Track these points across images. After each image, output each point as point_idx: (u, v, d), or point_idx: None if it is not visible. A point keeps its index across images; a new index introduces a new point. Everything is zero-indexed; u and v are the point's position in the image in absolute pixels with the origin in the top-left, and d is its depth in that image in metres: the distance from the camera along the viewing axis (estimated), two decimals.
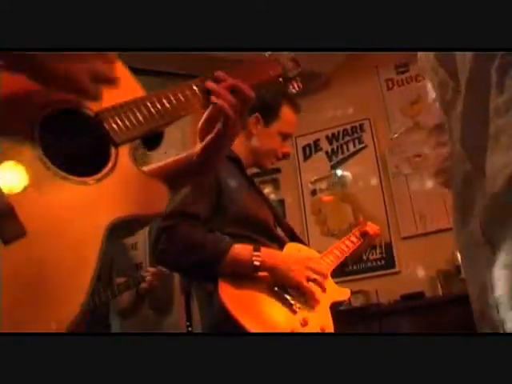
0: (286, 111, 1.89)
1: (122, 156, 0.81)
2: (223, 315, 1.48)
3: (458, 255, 3.24)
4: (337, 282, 1.87)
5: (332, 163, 4.24)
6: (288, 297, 1.60)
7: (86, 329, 0.75)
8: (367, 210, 3.89)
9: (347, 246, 2.02)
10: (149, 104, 0.86)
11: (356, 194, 4.06)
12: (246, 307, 1.52)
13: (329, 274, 1.81)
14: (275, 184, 4.32)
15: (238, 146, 1.81)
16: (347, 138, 4.23)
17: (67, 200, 0.74)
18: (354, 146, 4.20)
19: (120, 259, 3.07)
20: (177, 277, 3.03)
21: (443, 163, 0.99)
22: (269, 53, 1.23)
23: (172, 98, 0.90)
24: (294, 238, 1.92)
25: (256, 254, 1.56)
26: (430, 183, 3.81)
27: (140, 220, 0.82)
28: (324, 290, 1.67)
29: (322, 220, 4.12)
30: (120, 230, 0.78)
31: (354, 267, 3.73)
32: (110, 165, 0.80)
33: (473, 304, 0.81)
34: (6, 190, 0.67)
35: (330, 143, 4.27)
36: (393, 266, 3.82)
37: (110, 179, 0.78)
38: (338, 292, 1.80)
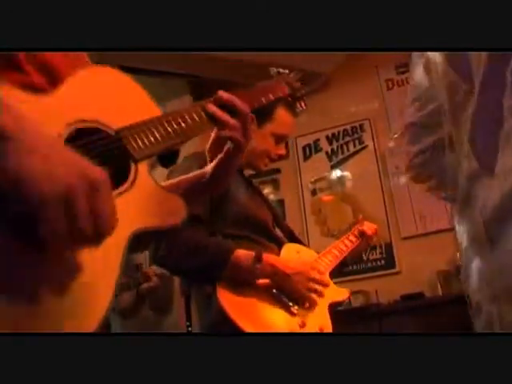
0: (281, 113, 1.86)
1: (141, 171, 0.86)
2: (221, 317, 1.48)
3: (458, 256, 3.23)
4: (336, 282, 1.87)
5: (332, 163, 4.24)
6: (286, 299, 1.60)
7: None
8: (367, 210, 3.89)
9: (346, 246, 2.01)
10: (165, 123, 0.91)
11: (356, 194, 4.06)
12: (243, 309, 1.51)
13: (327, 274, 1.81)
14: (275, 184, 4.32)
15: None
16: (347, 138, 4.23)
17: None
18: (354, 146, 4.21)
19: None
20: (177, 278, 3.03)
21: (413, 159, 1.04)
22: (275, 71, 1.27)
23: (187, 118, 0.95)
24: (293, 238, 1.91)
25: (257, 264, 1.55)
26: None
27: (158, 231, 0.87)
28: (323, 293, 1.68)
29: (321, 220, 4.13)
30: (140, 241, 0.83)
31: (354, 267, 3.73)
32: (130, 180, 0.84)
33: (470, 297, 0.81)
34: None
35: (330, 143, 4.27)
36: (393, 266, 3.82)
37: (131, 193, 0.83)
38: (336, 292, 1.80)
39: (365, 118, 4.19)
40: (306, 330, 1.57)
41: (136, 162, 0.86)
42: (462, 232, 0.86)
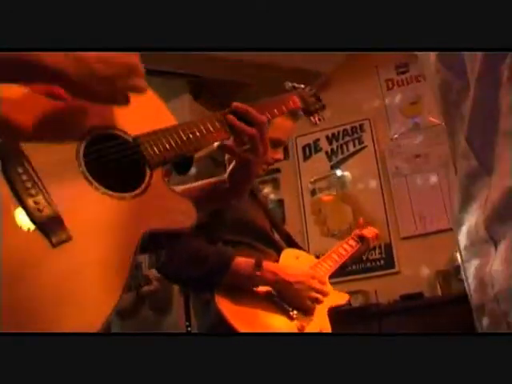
0: (278, 118, 1.86)
1: (156, 176, 0.92)
2: (219, 322, 1.48)
3: (458, 256, 3.24)
4: (336, 282, 1.87)
5: (332, 163, 4.24)
6: (285, 304, 1.60)
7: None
8: (367, 210, 3.90)
9: (345, 250, 2.01)
10: (180, 132, 0.97)
11: (356, 194, 4.07)
12: (242, 314, 1.51)
13: (327, 279, 1.80)
14: (275, 184, 4.33)
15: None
16: (347, 138, 4.23)
17: (107, 212, 0.83)
18: (354, 146, 4.21)
19: None
20: None
21: None
22: (290, 86, 1.31)
23: (202, 127, 1.00)
24: (291, 242, 1.90)
25: (258, 272, 1.55)
26: (429, 184, 3.81)
27: (169, 233, 0.92)
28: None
29: (321, 220, 4.13)
30: (147, 243, 0.87)
31: (354, 267, 3.73)
32: (144, 183, 0.90)
33: (471, 296, 0.81)
34: (55, 201, 0.77)
35: (330, 143, 4.28)
36: (392, 266, 3.83)
37: (145, 196, 0.88)
38: (336, 297, 1.80)
39: (365, 118, 4.19)
40: None
41: (151, 167, 0.91)
42: (461, 231, 0.86)
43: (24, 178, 0.76)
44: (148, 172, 0.91)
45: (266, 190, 4.20)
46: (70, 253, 0.75)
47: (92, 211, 0.82)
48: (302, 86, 1.38)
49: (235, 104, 1.05)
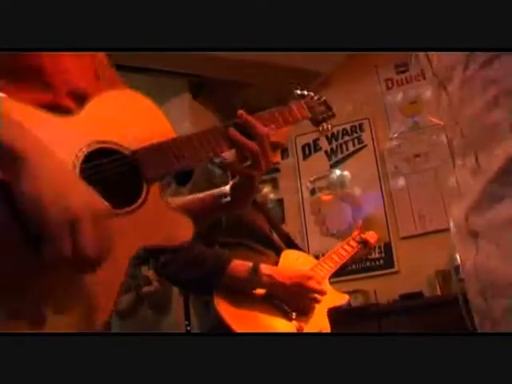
0: None
1: (153, 191, 0.90)
2: (219, 324, 1.48)
3: (457, 255, 3.23)
4: (335, 282, 1.87)
5: (331, 162, 4.24)
6: (284, 304, 1.60)
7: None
8: (366, 209, 3.90)
9: (346, 251, 2.01)
10: (179, 145, 0.95)
11: (355, 194, 4.07)
12: (241, 316, 1.51)
13: (327, 281, 1.80)
14: (274, 183, 4.33)
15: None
16: (346, 138, 4.23)
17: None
18: (354, 145, 4.21)
19: None
20: None
21: None
22: (298, 94, 1.32)
23: (201, 139, 0.99)
24: (290, 243, 1.90)
25: (255, 275, 1.55)
26: (429, 183, 3.82)
27: (164, 249, 0.90)
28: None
29: (321, 219, 4.13)
30: (144, 255, 0.88)
31: (353, 267, 3.73)
32: (141, 199, 0.89)
33: (467, 292, 0.82)
34: None
35: (330, 142, 4.28)
36: (392, 265, 3.83)
37: (140, 212, 0.87)
38: (335, 297, 1.79)
39: (364, 118, 4.19)
40: None
41: (148, 182, 0.90)
42: (452, 224, 0.87)
43: None
44: (145, 187, 0.90)
45: (266, 189, 4.20)
46: (61, 269, 0.74)
47: None
48: (312, 93, 1.36)
49: (239, 113, 1.04)
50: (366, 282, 3.75)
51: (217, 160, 1.74)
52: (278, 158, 1.89)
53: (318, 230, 4.10)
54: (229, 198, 1.09)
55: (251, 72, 3.73)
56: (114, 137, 0.90)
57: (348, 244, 2.04)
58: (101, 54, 1.02)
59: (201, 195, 1.14)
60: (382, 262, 3.86)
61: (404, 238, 3.84)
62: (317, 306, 1.65)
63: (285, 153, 4.25)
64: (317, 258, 1.96)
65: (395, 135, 4.06)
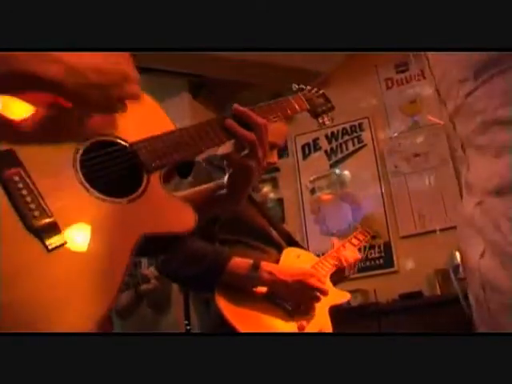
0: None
1: (153, 181, 0.92)
2: (220, 321, 1.48)
3: (457, 254, 3.24)
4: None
5: (331, 162, 4.24)
6: (285, 302, 1.60)
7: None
8: (366, 209, 3.90)
9: (353, 244, 2.01)
10: (178, 136, 0.97)
11: (355, 193, 4.06)
12: (242, 313, 1.51)
13: (328, 277, 1.80)
14: (274, 183, 4.32)
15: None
16: (346, 137, 4.23)
17: (102, 217, 0.84)
18: (353, 144, 4.21)
19: None
20: None
21: None
22: (296, 87, 1.30)
23: (200, 131, 1.01)
24: (291, 241, 1.90)
25: (255, 273, 1.55)
26: (429, 182, 3.82)
27: (166, 237, 0.91)
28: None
29: (321, 219, 4.13)
30: (147, 247, 0.87)
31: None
32: (141, 188, 0.90)
33: (468, 286, 0.84)
34: (51, 208, 0.79)
35: (330, 142, 4.28)
36: (391, 265, 3.83)
37: (141, 200, 0.89)
38: (336, 295, 1.79)
39: (364, 117, 4.19)
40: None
41: (148, 172, 0.91)
42: (460, 221, 0.88)
43: (20, 185, 0.77)
44: (145, 177, 0.91)
45: (266, 188, 4.20)
46: (64, 257, 0.76)
47: (88, 217, 0.82)
48: (309, 87, 1.35)
49: (235, 106, 1.04)
50: (366, 281, 3.74)
51: (215, 162, 1.74)
52: (274, 158, 1.88)
53: (317, 230, 4.10)
54: (225, 190, 1.08)
55: (251, 72, 3.73)
56: (113, 130, 0.91)
57: (350, 242, 2.04)
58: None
59: (197, 188, 1.14)
60: (381, 261, 3.86)
61: (404, 238, 3.85)
62: (318, 303, 1.65)
63: (285, 152, 4.25)
64: (317, 257, 1.96)
65: (395, 134, 4.06)
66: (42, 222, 0.76)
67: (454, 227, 0.91)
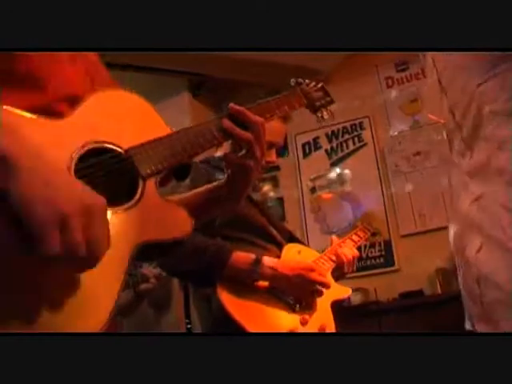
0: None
1: (149, 187, 0.91)
2: (222, 316, 1.48)
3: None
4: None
5: (331, 161, 4.24)
6: (287, 296, 1.60)
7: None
8: (366, 208, 3.90)
9: (353, 241, 2.01)
10: (174, 140, 0.96)
11: (355, 192, 4.06)
12: (244, 307, 1.51)
13: (329, 274, 1.80)
14: (274, 182, 4.32)
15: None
16: (347, 136, 4.23)
17: None
18: (354, 143, 4.20)
19: None
20: None
21: None
22: (294, 82, 1.27)
23: (197, 133, 0.99)
24: (292, 239, 1.90)
25: (257, 267, 1.55)
26: (429, 181, 3.81)
27: (164, 244, 0.90)
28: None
29: (321, 218, 4.13)
30: (145, 253, 0.87)
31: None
32: (137, 195, 0.89)
33: (460, 278, 0.84)
34: None
35: (330, 141, 4.27)
36: (392, 263, 3.83)
37: (137, 208, 0.88)
38: (338, 290, 1.80)
39: (364, 116, 4.19)
40: (308, 327, 1.58)
41: (143, 178, 0.90)
42: (454, 218, 0.88)
43: None
44: (141, 183, 0.90)
45: (266, 187, 4.20)
46: (55, 267, 0.74)
47: None
48: (307, 81, 1.31)
49: (231, 106, 1.03)
50: (367, 280, 3.74)
51: (213, 162, 1.74)
52: (273, 157, 1.87)
53: (318, 228, 4.10)
54: (224, 191, 1.08)
55: (251, 70, 3.73)
56: (107, 137, 0.90)
57: (350, 238, 2.04)
58: (92, 55, 1.02)
59: (197, 190, 1.13)
60: (382, 260, 3.86)
61: (404, 236, 3.84)
62: (320, 298, 1.65)
63: (285, 151, 4.25)
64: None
65: (395, 133, 4.06)
66: None
67: None
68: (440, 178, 3.76)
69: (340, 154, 4.22)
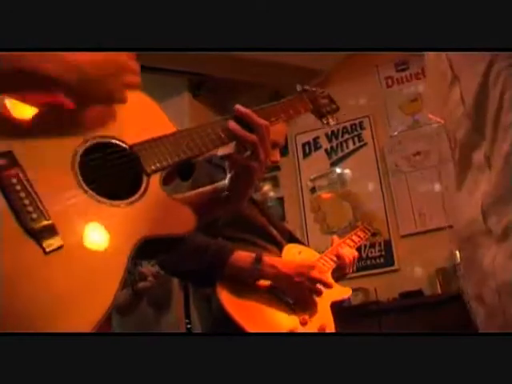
0: None
1: (153, 183, 0.91)
2: (222, 316, 1.48)
3: (457, 253, 3.22)
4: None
5: (331, 161, 4.24)
6: (286, 297, 1.59)
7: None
8: (366, 207, 3.90)
9: (348, 245, 2.01)
10: (178, 138, 0.96)
11: (355, 192, 4.06)
12: (244, 307, 1.51)
13: (330, 273, 1.80)
14: (274, 181, 4.32)
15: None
16: (347, 136, 4.23)
17: (101, 219, 0.83)
18: (354, 143, 4.20)
19: None
20: None
21: None
22: (300, 88, 1.28)
23: (201, 133, 1.00)
24: (292, 239, 1.90)
25: (258, 266, 1.55)
26: (429, 181, 3.81)
27: (166, 240, 0.90)
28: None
29: (321, 218, 4.13)
30: (146, 249, 0.86)
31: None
32: (141, 190, 0.90)
33: (469, 287, 0.82)
34: (49, 210, 0.78)
35: (330, 141, 4.27)
36: (392, 263, 3.83)
37: (140, 203, 0.88)
38: (338, 291, 1.79)
39: (364, 116, 4.19)
40: (308, 327, 1.57)
41: (148, 174, 0.91)
42: (460, 222, 0.86)
43: (18, 187, 0.77)
44: (145, 179, 0.91)
45: (266, 187, 4.19)
46: (62, 260, 0.76)
47: (86, 219, 0.82)
48: (314, 88, 1.34)
49: (237, 107, 1.04)
50: (367, 280, 3.74)
51: (215, 161, 1.74)
52: (276, 156, 1.88)
53: (318, 228, 4.10)
54: (227, 192, 1.08)
55: (251, 70, 3.73)
56: (113, 132, 0.91)
57: (350, 238, 2.04)
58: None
59: (199, 190, 1.13)
60: (382, 260, 3.86)
61: (404, 236, 3.84)
62: (320, 299, 1.65)
63: (285, 151, 4.25)
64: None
65: (395, 133, 4.06)
66: (39, 224, 0.76)
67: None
68: (440, 178, 3.76)
69: (340, 154, 4.22)
